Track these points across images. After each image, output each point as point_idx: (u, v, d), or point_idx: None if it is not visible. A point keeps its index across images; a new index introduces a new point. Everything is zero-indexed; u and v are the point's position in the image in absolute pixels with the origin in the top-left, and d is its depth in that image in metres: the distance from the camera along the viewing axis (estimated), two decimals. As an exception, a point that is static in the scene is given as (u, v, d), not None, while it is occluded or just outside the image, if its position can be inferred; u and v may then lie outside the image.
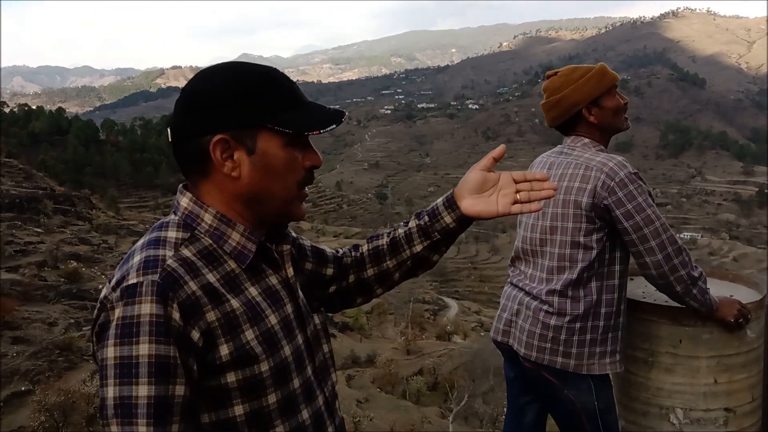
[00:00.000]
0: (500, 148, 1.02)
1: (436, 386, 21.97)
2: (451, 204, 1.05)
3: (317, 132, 0.87)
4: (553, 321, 1.80)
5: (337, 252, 1.15)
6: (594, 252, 1.77)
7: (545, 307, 1.82)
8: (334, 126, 0.88)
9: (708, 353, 1.84)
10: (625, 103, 1.89)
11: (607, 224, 1.77)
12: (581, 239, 1.77)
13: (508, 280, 2.04)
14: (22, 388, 13.13)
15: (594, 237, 1.77)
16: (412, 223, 1.10)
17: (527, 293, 1.90)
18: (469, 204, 1.03)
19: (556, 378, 1.82)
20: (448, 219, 1.06)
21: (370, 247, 1.13)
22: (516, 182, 1.02)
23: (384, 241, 1.12)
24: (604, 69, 1.86)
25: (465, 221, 1.06)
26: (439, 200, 1.08)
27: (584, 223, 1.77)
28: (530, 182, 1.02)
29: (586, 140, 1.86)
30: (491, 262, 66.22)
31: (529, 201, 1.01)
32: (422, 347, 26.46)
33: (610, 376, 1.89)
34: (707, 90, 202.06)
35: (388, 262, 1.12)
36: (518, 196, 1.01)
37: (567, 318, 1.79)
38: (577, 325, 1.78)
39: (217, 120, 0.85)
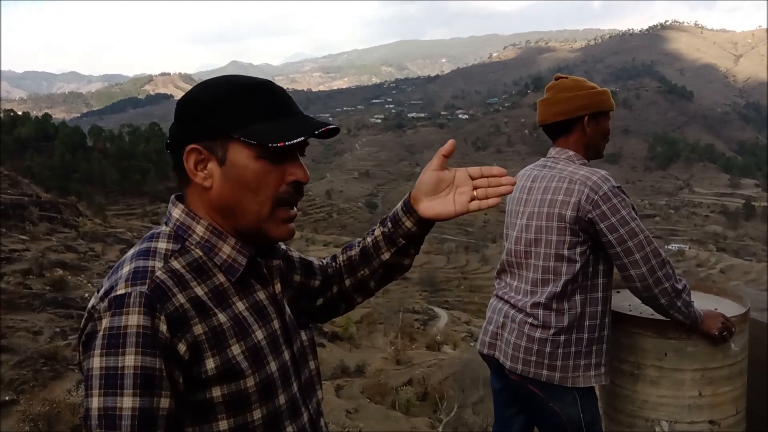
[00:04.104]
0: (449, 144, 1.00)
1: (426, 396, 21.88)
2: (409, 208, 1.04)
3: (282, 144, 0.84)
4: (537, 334, 1.81)
5: (323, 263, 1.15)
6: (578, 265, 1.78)
7: (530, 320, 1.83)
8: (302, 138, 0.85)
9: (693, 366, 1.86)
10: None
11: (590, 237, 1.78)
12: (565, 252, 1.79)
13: (494, 292, 2.06)
14: (7, 398, 12.91)
15: (578, 250, 1.78)
16: (378, 231, 1.09)
17: (512, 306, 1.91)
18: (426, 207, 1.02)
19: (542, 390, 1.83)
20: (408, 224, 1.05)
21: (345, 258, 1.14)
22: (473, 178, 1.00)
23: (355, 251, 1.12)
24: (609, 93, 1.93)
25: (425, 224, 1.05)
26: (399, 205, 1.07)
27: (568, 236, 1.78)
28: (487, 178, 0.99)
29: (571, 153, 1.88)
30: (481, 272, 66.29)
31: (487, 198, 0.98)
32: (412, 357, 26.37)
33: (596, 388, 1.90)
34: (695, 103, 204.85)
35: (362, 272, 1.12)
36: (475, 193, 0.99)
37: (551, 331, 1.80)
38: (562, 337, 1.79)
39: (192, 130, 0.87)
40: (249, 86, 0.88)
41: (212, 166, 0.87)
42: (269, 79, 0.92)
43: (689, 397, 1.87)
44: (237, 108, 0.86)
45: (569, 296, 1.80)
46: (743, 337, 1.93)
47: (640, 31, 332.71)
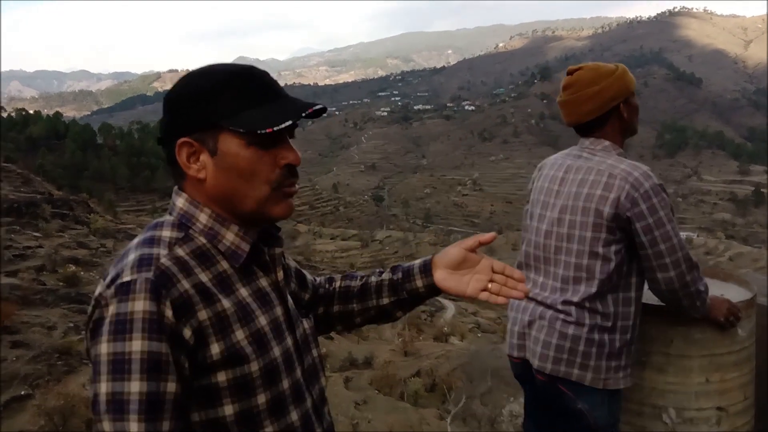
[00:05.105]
0: (490, 235, 1.05)
1: (434, 388, 21.93)
2: (427, 270, 1.08)
3: (270, 130, 0.84)
4: (571, 330, 1.73)
5: (315, 281, 1.16)
6: (612, 264, 1.70)
7: (562, 316, 1.74)
8: (290, 122, 0.85)
9: (700, 352, 1.85)
10: None
11: (627, 236, 1.70)
12: (600, 250, 1.70)
13: None
14: (22, 393, 13.11)
15: (613, 248, 1.70)
16: (386, 276, 1.12)
17: (539, 303, 1.81)
18: (441, 277, 1.06)
19: (571, 390, 1.76)
20: (419, 283, 1.08)
21: (342, 285, 1.15)
22: (494, 271, 1.03)
23: (356, 283, 1.14)
24: (626, 68, 1.82)
25: (434, 290, 1.08)
26: (417, 262, 1.10)
27: (604, 233, 1.69)
28: (506, 277, 1.03)
29: (606, 143, 1.78)
30: (489, 263, 66.04)
31: (498, 294, 1.02)
32: (420, 349, 26.43)
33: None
34: (704, 89, 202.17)
35: (354, 305, 1.13)
36: (490, 286, 1.02)
37: (586, 328, 1.72)
38: (596, 336, 1.72)
39: (180, 123, 0.87)
40: (232, 74, 0.88)
41: (204, 157, 0.87)
42: (268, 71, 0.92)
43: (696, 383, 1.86)
44: (223, 97, 0.86)
45: (603, 296, 1.72)
46: (750, 323, 1.91)
47: (648, 18, 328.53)
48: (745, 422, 1.95)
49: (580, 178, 1.76)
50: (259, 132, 0.85)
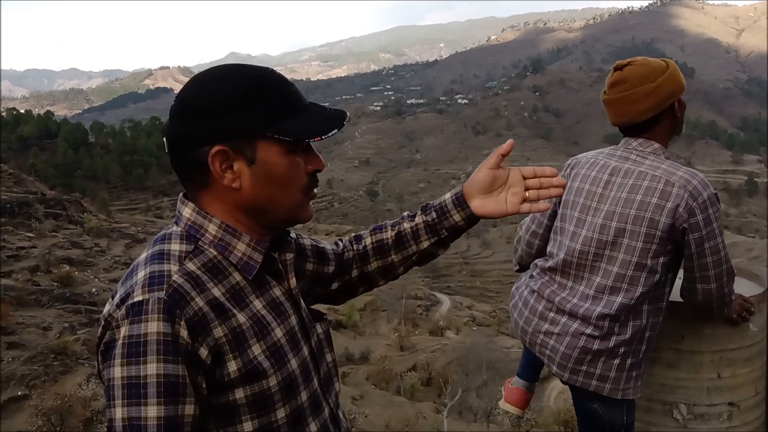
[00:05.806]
0: (508, 144, 1.02)
1: (430, 381, 22.06)
2: (461, 202, 1.05)
3: (319, 139, 0.85)
4: (595, 345, 1.66)
5: (338, 246, 1.13)
6: (657, 276, 1.62)
7: (588, 330, 1.66)
8: (336, 131, 0.86)
9: (711, 348, 1.83)
10: None
11: (677, 248, 1.63)
12: (648, 261, 1.61)
13: (531, 286, 1.84)
14: (19, 393, 13.08)
15: (661, 260, 1.62)
16: (419, 219, 1.09)
17: (563, 311, 1.73)
18: (478, 204, 1.03)
19: (587, 397, 1.74)
20: (457, 217, 1.06)
21: (374, 241, 1.12)
22: (525, 178, 1.02)
23: (388, 234, 1.10)
24: (676, 65, 1.72)
25: (474, 220, 1.06)
26: (448, 197, 1.07)
27: (655, 245, 1.60)
28: (539, 179, 1.02)
29: (657, 145, 1.67)
30: (482, 256, 66.41)
31: (538, 199, 1.01)
32: (415, 343, 26.56)
33: None
34: (696, 79, 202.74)
35: (393, 257, 1.11)
36: (527, 194, 1.01)
37: (611, 343, 1.65)
38: (621, 349, 1.66)
39: (214, 130, 0.83)
40: (265, 80, 0.86)
41: (239, 166, 0.84)
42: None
43: (708, 379, 1.84)
44: (263, 105, 0.84)
45: (639, 308, 1.65)
46: (762, 317, 1.89)
47: (640, 8, 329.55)
48: (756, 417, 1.93)
49: (630, 183, 1.65)
50: (307, 141, 0.85)
